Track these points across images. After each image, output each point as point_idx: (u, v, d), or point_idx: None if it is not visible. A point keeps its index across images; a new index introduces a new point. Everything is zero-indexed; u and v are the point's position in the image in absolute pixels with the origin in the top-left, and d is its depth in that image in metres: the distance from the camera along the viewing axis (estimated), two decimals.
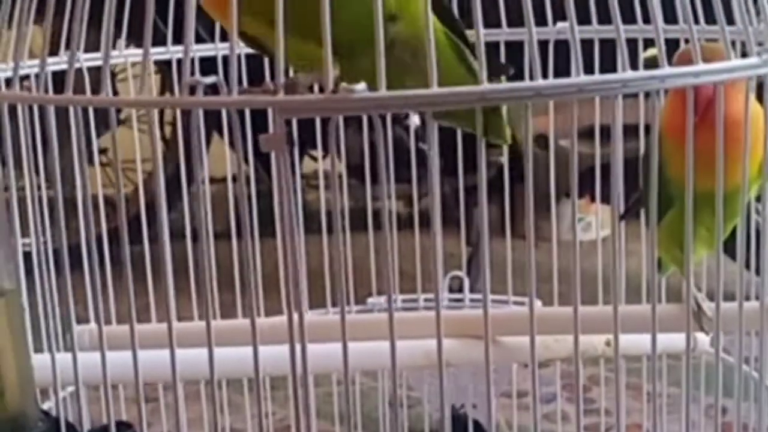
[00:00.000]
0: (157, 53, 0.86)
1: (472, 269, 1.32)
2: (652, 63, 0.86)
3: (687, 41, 0.75)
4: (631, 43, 0.76)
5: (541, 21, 0.86)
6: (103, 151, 1.24)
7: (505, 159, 0.97)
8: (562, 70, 0.84)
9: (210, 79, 0.48)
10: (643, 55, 0.88)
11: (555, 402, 1.01)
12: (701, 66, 0.49)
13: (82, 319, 0.80)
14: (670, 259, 0.76)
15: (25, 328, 0.57)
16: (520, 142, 1.22)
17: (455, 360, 0.75)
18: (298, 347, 0.54)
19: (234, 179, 0.97)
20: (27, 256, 0.68)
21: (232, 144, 1.04)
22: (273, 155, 0.47)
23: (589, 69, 0.51)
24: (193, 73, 0.49)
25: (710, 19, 0.63)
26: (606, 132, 0.93)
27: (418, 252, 0.97)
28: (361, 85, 0.47)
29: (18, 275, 0.57)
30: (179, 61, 0.88)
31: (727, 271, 0.60)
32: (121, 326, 0.81)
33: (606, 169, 0.92)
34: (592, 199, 1.08)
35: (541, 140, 1.36)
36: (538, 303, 0.76)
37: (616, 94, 0.48)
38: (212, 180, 1.36)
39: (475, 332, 0.75)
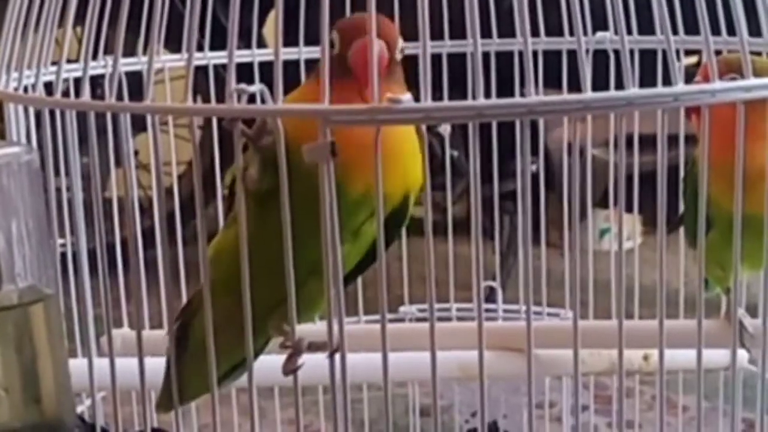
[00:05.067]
0: (195, 59, 0.86)
1: (503, 277, 1.31)
2: (694, 71, 0.85)
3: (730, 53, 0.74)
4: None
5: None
6: (136, 153, 1.24)
7: (540, 166, 0.96)
8: (600, 80, 0.83)
9: (254, 88, 0.48)
10: (684, 62, 0.87)
11: (586, 413, 1.00)
12: (753, 80, 0.48)
13: (115, 323, 0.80)
14: (712, 279, 0.75)
15: (62, 334, 0.57)
16: (551, 152, 1.22)
17: (490, 373, 0.74)
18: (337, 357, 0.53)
19: None
20: (61, 256, 0.68)
21: None
22: None
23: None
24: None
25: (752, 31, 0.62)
26: (638, 140, 0.93)
27: (452, 260, 0.96)
28: (407, 96, 0.46)
29: (57, 281, 0.57)
30: (215, 67, 0.88)
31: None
32: (155, 331, 0.81)
33: (632, 178, 0.92)
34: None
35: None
36: (571, 314, 0.76)
37: (666, 109, 0.48)
38: None
39: (511, 345, 0.74)
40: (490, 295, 0.99)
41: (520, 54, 0.84)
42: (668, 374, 0.88)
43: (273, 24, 0.51)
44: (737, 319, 0.66)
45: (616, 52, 0.77)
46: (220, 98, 0.49)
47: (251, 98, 0.50)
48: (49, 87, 0.59)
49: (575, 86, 0.48)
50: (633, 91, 0.46)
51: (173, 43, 0.84)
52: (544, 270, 0.94)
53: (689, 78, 0.84)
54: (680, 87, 0.47)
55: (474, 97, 0.46)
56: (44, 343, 0.54)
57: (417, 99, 0.47)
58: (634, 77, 0.48)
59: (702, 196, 0.51)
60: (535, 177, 0.96)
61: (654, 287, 0.58)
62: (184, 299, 0.89)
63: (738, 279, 0.71)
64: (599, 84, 0.82)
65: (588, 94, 0.46)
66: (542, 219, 0.94)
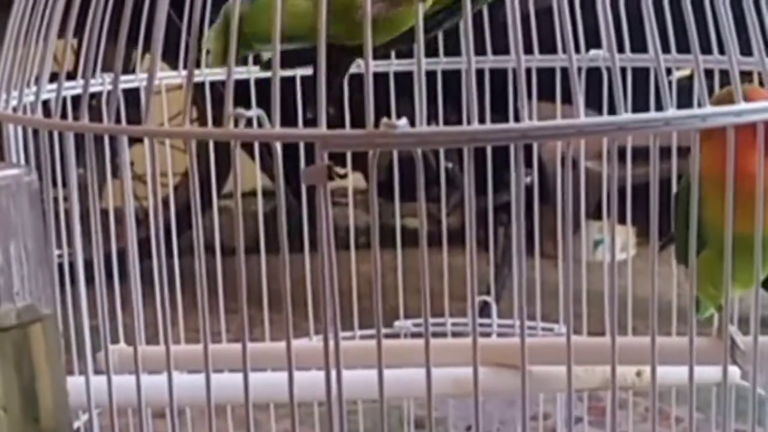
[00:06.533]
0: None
1: (498, 288, 1.32)
2: (686, 83, 0.86)
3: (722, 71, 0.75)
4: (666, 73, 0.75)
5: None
6: (132, 164, 1.25)
7: (534, 178, 0.97)
8: (594, 97, 0.84)
9: (251, 113, 0.48)
10: (675, 75, 0.87)
11: (580, 424, 1.00)
12: (743, 105, 0.49)
13: (111, 334, 0.80)
14: (704, 296, 0.75)
15: (61, 353, 0.57)
16: (545, 163, 1.23)
17: (485, 389, 0.74)
18: (333, 373, 0.54)
19: (264, 194, 0.97)
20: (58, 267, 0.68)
21: (262, 167, 1.04)
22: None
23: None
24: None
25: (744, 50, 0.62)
26: (632, 151, 0.93)
27: (446, 271, 0.96)
28: (402, 121, 0.47)
29: (55, 300, 0.57)
30: (212, 84, 0.89)
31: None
32: (150, 347, 0.81)
33: (625, 190, 0.92)
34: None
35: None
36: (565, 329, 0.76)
37: (656, 133, 0.48)
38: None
39: (505, 361, 0.75)
40: (485, 309, 0.99)
41: (514, 71, 0.85)
42: (662, 387, 0.90)
43: None
44: (728, 337, 0.66)
45: (610, 70, 0.78)
46: (217, 114, 0.50)
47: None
48: (47, 104, 0.60)
49: (570, 100, 0.49)
50: (624, 116, 0.47)
51: (169, 55, 0.85)
52: (538, 281, 0.94)
53: (681, 91, 0.85)
54: (671, 112, 0.48)
55: (468, 122, 0.47)
56: (42, 362, 0.55)
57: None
58: (626, 97, 0.49)
59: (693, 217, 0.51)
60: (529, 189, 0.97)
61: (648, 298, 0.59)
62: (180, 308, 0.89)
63: (730, 297, 0.71)
64: (594, 98, 0.83)
65: (581, 119, 0.47)
66: (536, 230, 0.95)
